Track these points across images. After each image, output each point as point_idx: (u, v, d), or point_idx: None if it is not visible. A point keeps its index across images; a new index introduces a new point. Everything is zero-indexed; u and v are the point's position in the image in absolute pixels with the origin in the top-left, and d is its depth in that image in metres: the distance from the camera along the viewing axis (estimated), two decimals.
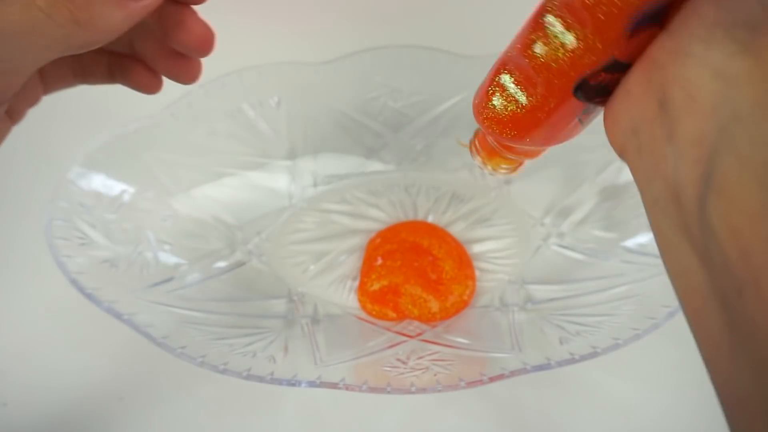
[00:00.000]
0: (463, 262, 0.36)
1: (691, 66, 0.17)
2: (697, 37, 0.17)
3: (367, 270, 0.36)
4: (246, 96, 0.40)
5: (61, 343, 0.36)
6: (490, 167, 0.27)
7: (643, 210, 0.38)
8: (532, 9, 0.22)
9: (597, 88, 0.20)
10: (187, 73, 0.28)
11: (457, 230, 0.39)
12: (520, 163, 0.27)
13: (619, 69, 0.19)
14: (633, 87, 0.19)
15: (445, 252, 0.36)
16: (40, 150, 0.45)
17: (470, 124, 0.42)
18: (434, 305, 0.35)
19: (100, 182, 0.36)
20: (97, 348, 0.35)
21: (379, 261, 0.36)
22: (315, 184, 0.41)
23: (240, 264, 0.38)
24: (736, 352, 0.15)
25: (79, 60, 0.27)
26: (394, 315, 0.35)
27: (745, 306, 0.15)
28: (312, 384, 0.28)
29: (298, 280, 0.37)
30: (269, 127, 0.41)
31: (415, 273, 0.35)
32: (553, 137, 0.22)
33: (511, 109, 0.22)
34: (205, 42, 0.26)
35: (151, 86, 0.28)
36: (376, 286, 0.35)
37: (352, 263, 0.38)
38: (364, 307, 0.36)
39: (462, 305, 0.35)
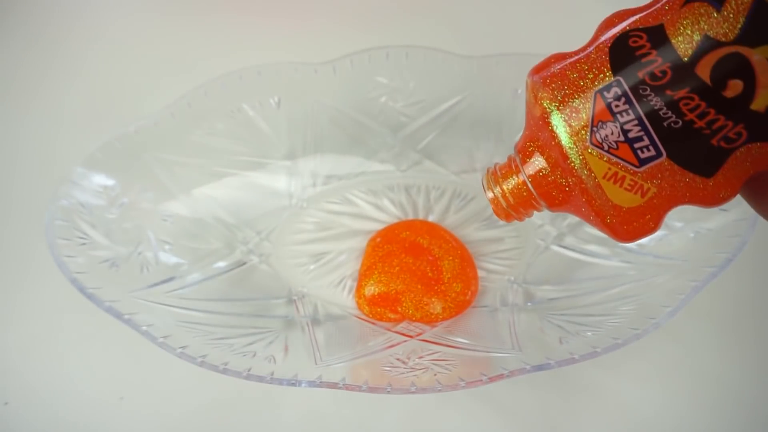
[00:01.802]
0: (464, 260, 0.36)
1: None
2: None
3: (364, 272, 0.36)
4: (246, 96, 0.40)
5: (61, 343, 0.36)
6: (504, 206, 0.24)
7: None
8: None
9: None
10: None
11: (457, 230, 0.39)
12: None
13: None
14: None
15: (445, 251, 0.36)
16: (40, 150, 0.45)
17: (470, 124, 0.42)
18: (436, 307, 0.35)
19: (101, 182, 0.36)
20: (97, 348, 0.35)
21: (377, 265, 0.36)
22: (315, 184, 0.41)
23: (240, 264, 0.38)
24: None
25: None
26: (393, 316, 0.35)
27: None
28: (312, 384, 0.28)
29: (298, 280, 0.37)
30: (269, 127, 0.41)
31: (413, 276, 0.35)
32: None
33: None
34: None
35: None
36: (374, 291, 0.35)
37: (352, 263, 0.38)
38: (362, 309, 0.36)
39: (465, 305, 0.35)
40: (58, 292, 0.34)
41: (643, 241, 0.36)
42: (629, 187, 0.20)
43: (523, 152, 0.22)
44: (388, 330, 0.34)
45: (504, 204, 0.23)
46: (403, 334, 0.34)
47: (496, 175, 0.23)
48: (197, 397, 0.33)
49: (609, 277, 0.35)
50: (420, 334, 0.34)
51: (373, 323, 0.35)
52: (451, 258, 0.36)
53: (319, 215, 0.40)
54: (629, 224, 0.20)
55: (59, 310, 0.37)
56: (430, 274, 0.35)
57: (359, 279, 0.36)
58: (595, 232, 0.37)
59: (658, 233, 0.36)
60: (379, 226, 0.39)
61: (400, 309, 0.35)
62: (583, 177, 0.20)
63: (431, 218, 0.40)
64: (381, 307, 0.35)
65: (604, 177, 0.20)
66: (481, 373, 0.28)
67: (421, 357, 0.31)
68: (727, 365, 0.34)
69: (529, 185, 0.22)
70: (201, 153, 0.39)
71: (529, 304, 0.35)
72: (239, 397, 0.33)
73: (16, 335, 0.36)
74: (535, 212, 0.24)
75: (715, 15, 0.18)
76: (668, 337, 0.34)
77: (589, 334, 0.31)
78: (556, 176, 0.21)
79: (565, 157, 0.20)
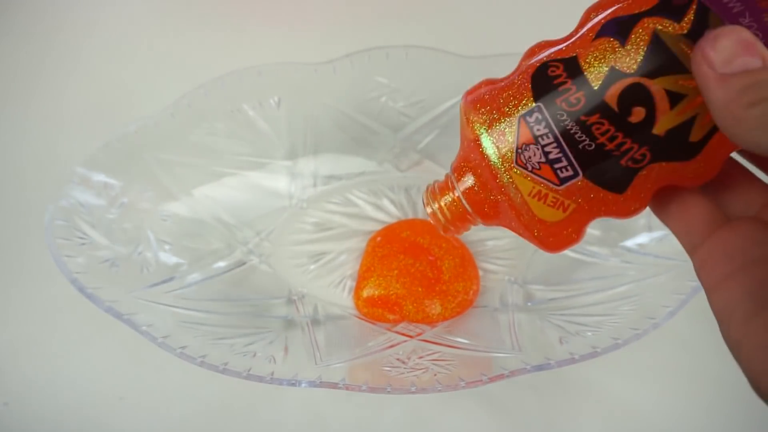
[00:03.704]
0: (465, 260, 0.36)
1: None
2: None
3: (362, 273, 0.36)
4: (246, 96, 0.40)
5: (61, 343, 0.36)
6: (442, 221, 0.25)
7: (642, 210, 0.38)
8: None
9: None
10: None
11: None
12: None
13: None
14: None
15: (445, 251, 0.36)
16: (41, 150, 0.45)
17: None
18: (437, 308, 0.35)
19: (100, 182, 0.36)
20: (97, 348, 0.35)
21: (375, 268, 0.36)
22: (315, 184, 0.41)
23: (240, 264, 0.38)
24: None
25: None
26: (392, 317, 0.35)
27: None
28: (312, 384, 0.28)
29: (298, 280, 0.37)
30: (269, 127, 0.41)
31: (413, 279, 0.35)
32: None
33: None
34: None
35: None
36: (372, 294, 0.35)
37: (352, 263, 0.38)
38: (360, 311, 0.35)
39: (466, 304, 0.35)
40: (58, 292, 0.34)
41: (644, 241, 0.36)
42: (552, 204, 0.21)
43: (458, 171, 0.24)
44: (388, 330, 0.34)
45: (442, 219, 0.25)
46: (403, 334, 0.34)
47: (434, 192, 0.25)
48: (197, 397, 0.33)
49: (609, 277, 0.35)
50: (420, 334, 0.34)
51: (372, 323, 0.35)
52: (451, 258, 0.36)
53: (319, 215, 0.40)
54: (554, 236, 0.22)
55: (59, 310, 0.37)
56: (430, 275, 0.35)
57: (357, 280, 0.36)
58: (596, 232, 0.38)
59: (658, 233, 0.36)
60: (379, 226, 0.39)
61: (399, 311, 0.35)
62: (511, 194, 0.22)
63: None
64: (379, 309, 0.35)
65: (529, 194, 0.21)
66: (481, 373, 0.28)
67: (421, 357, 0.31)
68: (727, 365, 0.34)
69: (464, 202, 0.24)
70: (201, 153, 0.39)
71: (529, 304, 0.35)
72: (239, 397, 0.33)
73: (16, 335, 0.36)
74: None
75: (620, 49, 0.20)
76: (668, 337, 0.34)
77: (589, 334, 0.31)
78: (488, 193, 0.23)
79: (495, 176, 0.22)
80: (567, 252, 0.37)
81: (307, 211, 0.41)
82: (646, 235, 0.36)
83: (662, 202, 0.23)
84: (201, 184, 0.39)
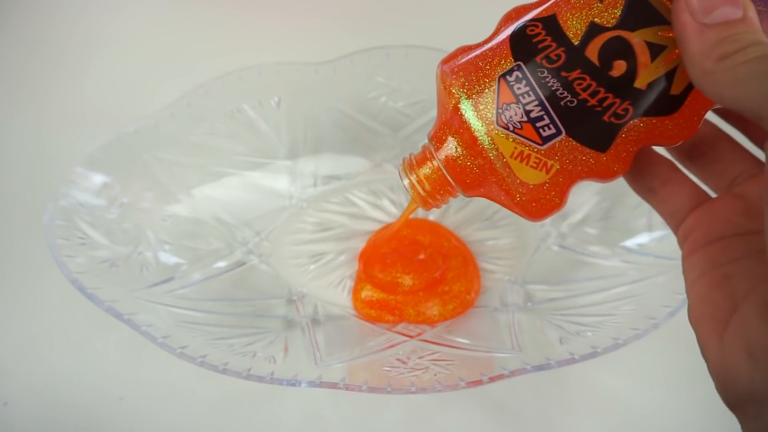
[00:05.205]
0: (466, 260, 0.36)
1: None
2: None
3: (362, 273, 0.36)
4: (246, 96, 0.40)
5: (61, 343, 0.36)
6: (421, 193, 0.24)
7: (642, 210, 0.38)
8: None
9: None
10: None
11: (457, 230, 0.39)
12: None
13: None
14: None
15: (446, 250, 0.36)
16: (40, 150, 0.45)
17: None
18: (437, 309, 0.35)
19: (100, 182, 0.36)
20: (97, 348, 0.35)
21: (374, 271, 0.36)
22: (315, 184, 0.41)
23: (240, 264, 0.38)
24: None
25: None
26: (391, 318, 0.35)
27: None
28: (312, 384, 0.28)
29: (298, 280, 0.37)
30: (269, 127, 0.41)
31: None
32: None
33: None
34: None
35: None
36: (373, 296, 0.35)
37: (352, 263, 0.38)
38: (360, 311, 0.35)
39: (467, 305, 0.35)
40: (58, 292, 0.34)
41: (644, 241, 0.36)
42: (535, 165, 0.21)
43: (436, 139, 0.23)
44: (388, 330, 0.34)
45: (420, 190, 0.24)
46: (403, 334, 0.34)
47: (411, 164, 0.24)
48: (197, 397, 0.33)
49: (609, 277, 0.35)
50: (420, 334, 0.34)
51: (372, 324, 0.35)
52: (452, 257, 0.36)
53: (319, 215, 0.40)
54: (537, 201, 0.22)
55: (59, 310, 0.37)
56: (429, 275, 0.35)
57: (356, 282, 0.36)
58: (596, 232, 0.38)
59: (658, 233, 0.36)
60: (378, 226, 0.39)
61: (399, 313, 0.35)
62: (492, 157, 0.21)
63: (431, 218, 0.40)
64: (378, 310, 0.35)
65: (511, 156, 0.21)
66: (481, 373, 0.28)
67: (421, 357, 0.31)
68: None
69: (443, 170, 0.23)
70: (201, 153, 0.39)
71: (529, 304, 0.35)
72: (239, 397, 0.33)
73: (15, 335, 0.36)
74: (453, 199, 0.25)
75: (598, 4, 0.20)
76: (668, 337, 0.34)
77: (589, 334, 0.31)
78: (468, 159, 0.22)
79: (475, 139, 0.21)
80: (567, 252, 0.38)
81: (307, 211, 0.41)
82: (646, 235, 0.36)
83: (647, 182, 0.23)
84: (201, 184, 0.39)
